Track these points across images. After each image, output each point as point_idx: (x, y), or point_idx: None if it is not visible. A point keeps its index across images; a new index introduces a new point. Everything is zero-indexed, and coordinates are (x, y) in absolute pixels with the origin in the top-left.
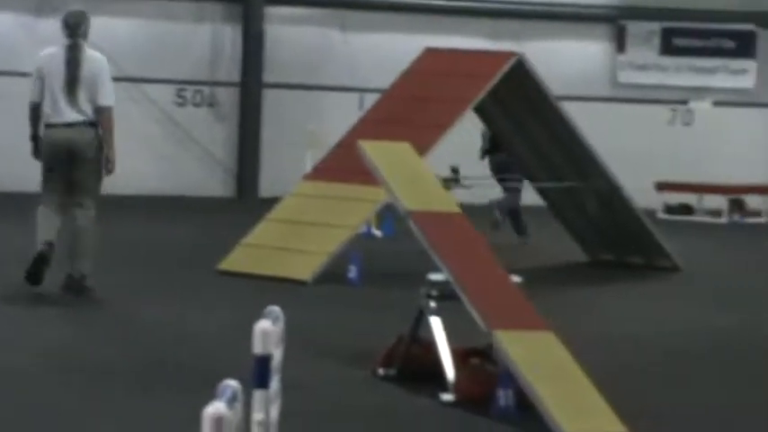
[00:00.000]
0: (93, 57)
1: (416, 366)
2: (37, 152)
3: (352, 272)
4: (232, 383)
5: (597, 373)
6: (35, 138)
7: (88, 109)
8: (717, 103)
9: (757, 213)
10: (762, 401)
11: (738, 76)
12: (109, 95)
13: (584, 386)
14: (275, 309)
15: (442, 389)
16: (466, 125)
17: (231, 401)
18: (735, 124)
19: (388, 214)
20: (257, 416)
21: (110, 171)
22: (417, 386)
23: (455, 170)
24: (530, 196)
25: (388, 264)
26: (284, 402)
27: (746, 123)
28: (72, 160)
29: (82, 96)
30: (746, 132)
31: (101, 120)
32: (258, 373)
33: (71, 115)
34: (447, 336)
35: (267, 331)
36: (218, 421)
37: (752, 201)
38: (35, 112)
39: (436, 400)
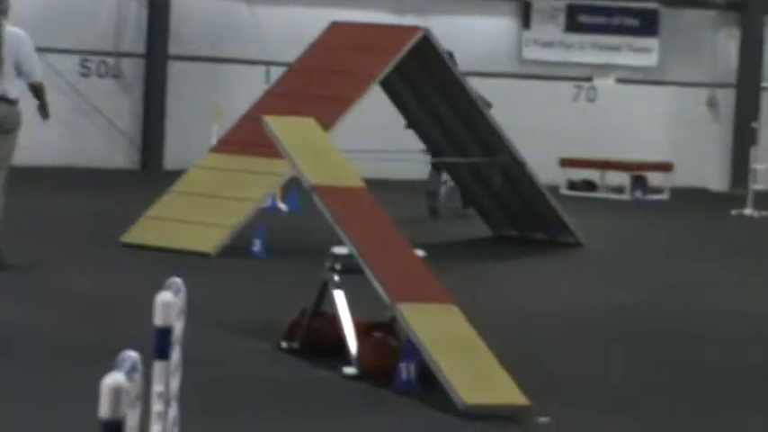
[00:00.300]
0: (14, 34)
1: (319, 340)
2: None
3: (257, 245)
4: (131, 354)
5: (499, 346)
6: None
7: (9, 85)
8: (620, 81)
9: (659, 190)
10: (659, 375)
11: (642, 53)
12: (37, 71)
13: (487, 359)
14: (177, 280)
15: (344, 362)
16: (372, 100)
17: (130, 372)
18: (638, 102)
19: (294, 188)
20: (157, 387)
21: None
22: (320, 359)
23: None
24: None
25: (292, 237)
26: (185, 374)
27: (649, 101)
28: None
29: (4, 73)
30: (649, 110)
31: (38, 94)
32: (159, 345)
33: None
34: (350, 309)
35: (168, 303)
36: (117, 392)
37: (654, 178)
38: None
39: (339, 374)
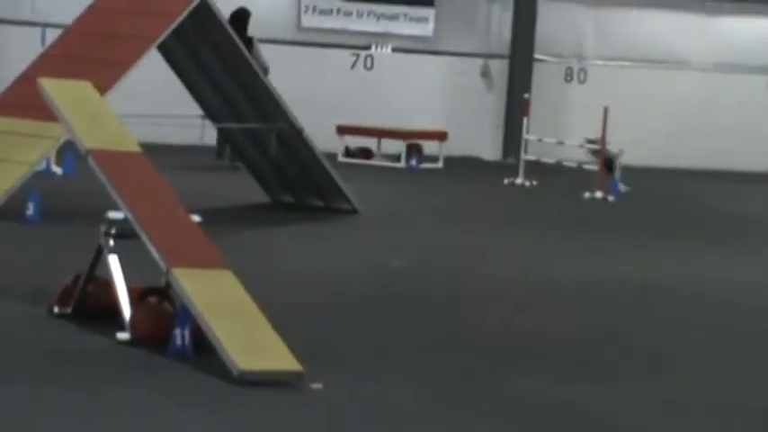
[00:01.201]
0: None
1: (93, 305)
2: None
3: (30, 209)
4: None
5: (274, 312)
6: None
7: None
8: (397, 50)
9: (434, 159)
10: (429, 337)
11: (418, 23)
12: None
13: (261, 324)
14: None
15: (118, 328)
16: (150, 64)
17: None
18: (414, 71)
19: (69, 152)
20: None
21: None
22: (93, 325)
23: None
24: (213, 137)
25: (68, 202)
26: None
27: (425, 70)
28: None
29: None
30: (425, 79)
31: None
32: None
33: None
34: (125, 274)
35: None
36: None
37: (429, 147)
38: None
39: (112, 339)
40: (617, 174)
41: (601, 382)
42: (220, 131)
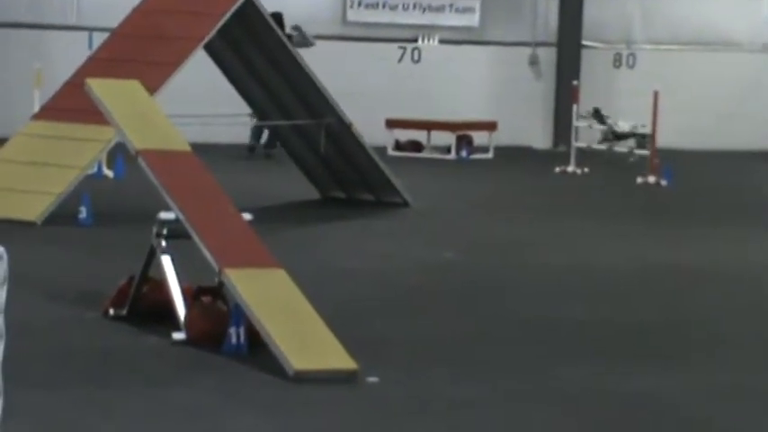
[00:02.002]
0: None
1: (148, 306)
2: None
3: (83, 212)
4: None
5: (327, 308)
6: None
7: None
8: (443, 41)
9: (484, 149)
10: (484, 330)
11: (464, 14)
12: None
13: (315, 323)
14: None
15: (173, 328)
16: (196, 64)
17: None
18: (461, 62)
19: (120, 154)
20: None
21: None
22: (148, 326)
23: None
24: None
25: (119, 204)
26: (10, 344)
27: (472, 61)
28: None
29: None
30: (473, 70)
31: None
32: None
33: None
34: (178, 274)
35: None
36: None
37: (478, 137)
38: None
39: (168, 340)
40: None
41: (659, 371)
42: (258, 128)
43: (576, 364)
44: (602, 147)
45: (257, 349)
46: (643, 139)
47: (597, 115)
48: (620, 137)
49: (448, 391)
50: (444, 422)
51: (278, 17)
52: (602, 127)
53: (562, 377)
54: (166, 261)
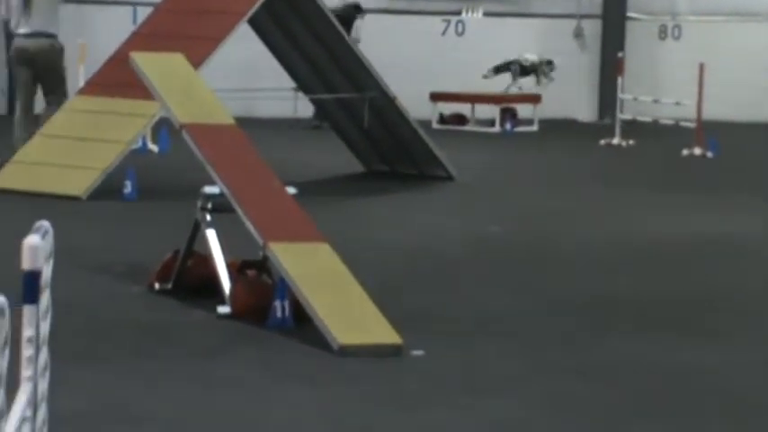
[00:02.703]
0: None
1: (193, 280)
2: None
3: (128, 187)
4: None
5: (373, 281)
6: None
7: (47, 21)
8: (487, 14)
9: (529, 122)
10: (530, 302)
11: None
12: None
13: (360, 297)
14: (44, 223)
15: (218, 302)
16: (241, 38)
17: None
18: (505, 35)
19: (164, 129)
20: (27, 332)
21: None
22: (194, 300)
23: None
24: (306, 108)
25: (164, 178)
26: (57, 319)
27: (516, 34)
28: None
29: (41, 10)
30: (516, 43)
31: None
32: (27, 289)
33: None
34: (222, 248)
35: (35, 246)
36: None
37: (523, 110)
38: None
39: (213, 313)
40: (543, 81)
41: (702, 345)
42: (316, 103)
43: (628, 338)
44: (515, 88)
45: (302, 323)
46: (549, 66)
47: (498, 69)
48: (526, 71)
49: (493, 365)
50: (490, 396)
51: (353, 10)
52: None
53: (606, 351)
54: (211, 235)
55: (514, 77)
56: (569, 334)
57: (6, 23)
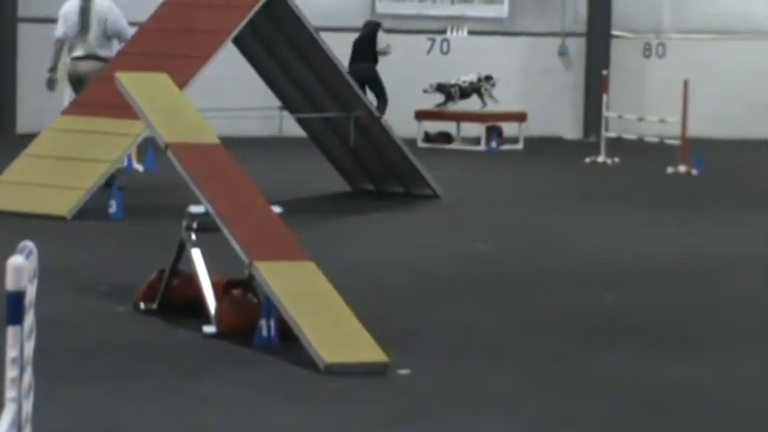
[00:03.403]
0: (101, 5)
1: (178, 299)
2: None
3: (113, 206)
4: None
5: (358, 300)
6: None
7: (99, 46)
8: (472, 33)
9: (514, 140)
10: (516, 320)
11: (493, 5)
12: (124, 30)
13: (345, 316)
14: (28, 244)
15: (204, 321)
16: (225, 57)
17: None
18: (490, 53)
19: (150, 148)
20: (11, 353)
21: None
22: (179, 319)
23: (489, 77)
24: (292, 128)
25: (149, 198)
26: (41, 339)
27: (501, 52)
28: (81, 85)
29: (95, 36)
30: (501, 61)
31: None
32: (12, 310)
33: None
34: (208, 268)
35: (19, 266)
36: None
37: (508, 128)
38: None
39: (198, 333)
40: (487, 100)
41: (698, 359)
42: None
43: (616, 353)
44: (447, 106)
45: (288, 342)
46: (488, 81)
47: (440, 87)
48: (466, 92)
49: (481, 383)
50: (481, 413)
51: (375, 26)
52: (446, 94)
53: (602, 366)
54: (196, 254)
55: (454, 99)
56: (558, 350)
57: (61, 42)
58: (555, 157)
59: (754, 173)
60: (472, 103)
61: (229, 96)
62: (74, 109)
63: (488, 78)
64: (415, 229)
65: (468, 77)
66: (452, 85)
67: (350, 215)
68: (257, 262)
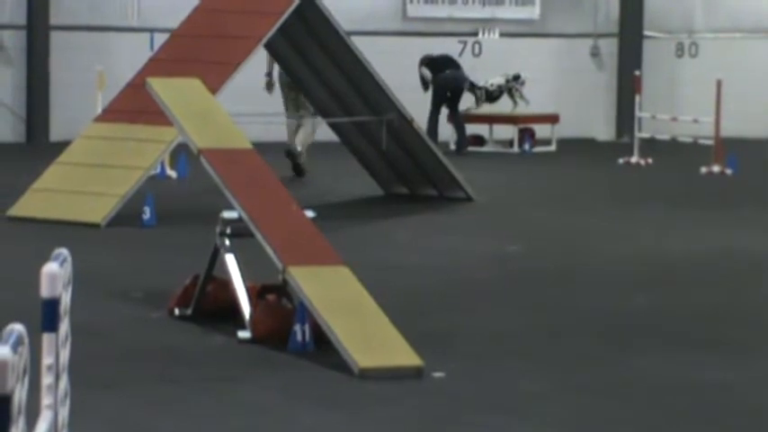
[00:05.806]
0: None
1: (212, 305)
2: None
3: (147, 213)
4: (17, 327)
5: (392, 303)
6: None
7: None
8: (504, 35)
9: (547, 142)
10: (550, 322)
11: (524, 6)
12: None
13: (380, 320)
14: (63, 251)
15: (238, 326)
16: (257, 63)
17: (16, 346)
18: (522, 55)
19: (183, 154)
20: (46, 360)
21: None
22: (214, 324)
23: (517, 77)
24: (324, 132)
25: (183, 204)
26: (77, 346)
27: (533, 53)
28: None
29: None
30: (533, 62)
31: None
32: (46, 317)
33: None
34: (242, 273)
35: (54, 274)
36: (3, 366)
37: (541, 130)
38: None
39: (233, 338)
40: (518, 102)
41: (730, 361)
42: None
43: (647, 355)
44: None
45: (323, 346)
46: (517, 80)
47: (471, 88)
48: (493, 95)
49: (517, 385)
50: (515, 416)
51: (447, 61)
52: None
53: (634, 369)
54: (230, 260)
55: (478, 103)
56: (591, 352)
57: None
58: (588, 159)
59: None
60: (504, 105)
61: (262, 102)
62: (107, 116)
63: (516, 78)
64: (448, 232)
65: (496, 80)
66: (479, 88)
67: (383, 219)
68: (291, 267)
